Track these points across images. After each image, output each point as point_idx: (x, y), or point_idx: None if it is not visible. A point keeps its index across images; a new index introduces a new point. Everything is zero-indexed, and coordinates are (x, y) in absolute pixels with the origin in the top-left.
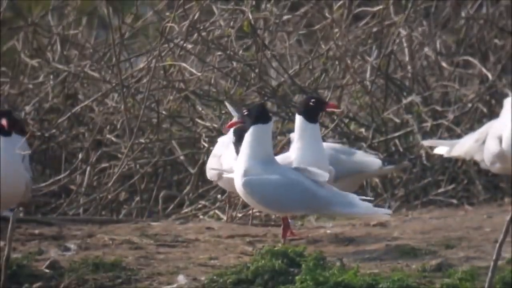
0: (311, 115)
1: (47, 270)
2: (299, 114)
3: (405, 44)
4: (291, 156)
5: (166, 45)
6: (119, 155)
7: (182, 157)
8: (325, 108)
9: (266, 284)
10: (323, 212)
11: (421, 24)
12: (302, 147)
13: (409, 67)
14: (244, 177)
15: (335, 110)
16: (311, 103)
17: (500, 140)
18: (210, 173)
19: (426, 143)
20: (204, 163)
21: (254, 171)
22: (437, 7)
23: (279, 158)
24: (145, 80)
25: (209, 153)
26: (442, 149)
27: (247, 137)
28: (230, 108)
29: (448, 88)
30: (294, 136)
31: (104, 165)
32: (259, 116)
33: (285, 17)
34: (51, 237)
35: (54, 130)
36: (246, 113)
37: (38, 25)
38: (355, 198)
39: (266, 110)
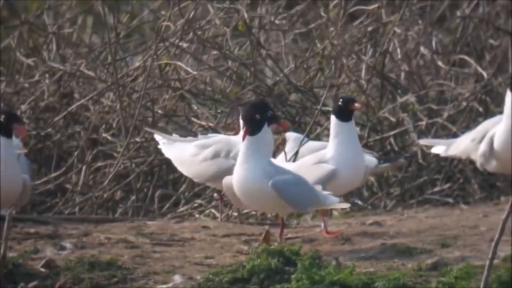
0: (342, 114)
1: (42, 269)
2: (332, 114)
3: (397, 45)
4: (327, 154)
5: (162, 44)
6: (115, 154)
7: None
8: (349, 107)
9: (262, 283)
10: (317, 207)
11: (416, 23)
12: (338, 145)
13: (404, 66)
14: (270, 179)
15: (360, 109)
16: (340, 103)
17: (492, 139)
18: (209, 175)
19: (423, 142)
20: None
21: (272, 172)
22: (432, 6)
23: (315, 157)
24: (140, 79)
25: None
26: (438, 148)
27: (258, 140)
28: (159, 136)
29: (444, 86)
30: (330, 134)
31: (99, 164)
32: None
33: (280, 16)
34: (47, 236)
35: (49, 129)
36: (258, 117)
37: (33, 24)
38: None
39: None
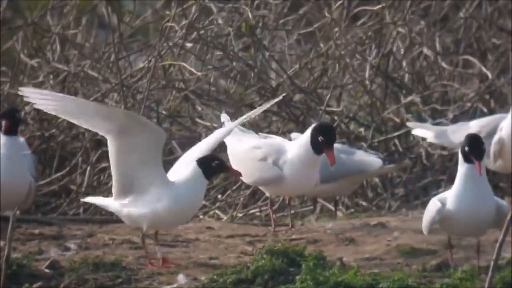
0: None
1: (47, 270)
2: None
3: (401, 44)
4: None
5: (166, 45)
6: None
7: None
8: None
9: (266, 284)
10: None
11: (419, 23)
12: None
13: (406, 67)
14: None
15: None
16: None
17: (501, 129)
18: (255, 178)
19: (410, 125)
20: None
21: None
22: (435, 6)
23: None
24: (145, 80)
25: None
26: (423, 132)
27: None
28: (225, 117)
29: (448, 87)
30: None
31: (104, 164)
32: None
33: (284, 19)
34: (51, 236)
35: (54, 130)
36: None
37: (37, 25)
38: None
39: None
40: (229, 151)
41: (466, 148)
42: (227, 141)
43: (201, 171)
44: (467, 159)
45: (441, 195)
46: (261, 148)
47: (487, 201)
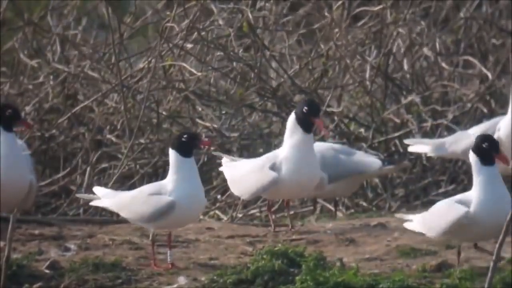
0: (184, 150)
1: (47, 271)
2: (173, 148)
3: (402, 44)
4: (167, 186)
5: (166, 45)
6: (119, 155)
7: None
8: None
9: (266, 284)
10: None
11: (419, 23)
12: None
13: (407, 67)
14: None
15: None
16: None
17: (499, 130)
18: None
19: (408, 142)
20: (204, 164)
21: None
22: (436, 7)
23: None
24: (145, 80)
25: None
26: (421, 147)
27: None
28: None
29: (448, 88)
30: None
31: (104, 165)
32: None
33: (285, 19)
34: (51, 237)
35: (54, 131)
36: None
37: (37, 25)
38: None
39: None
40: (228, 177)
41: (485, 145)
42: (225, 171)
43: (178, 154)
44: (485, 161)
45: (457, 199)
46: (259, 161)
47: (508, 204)
